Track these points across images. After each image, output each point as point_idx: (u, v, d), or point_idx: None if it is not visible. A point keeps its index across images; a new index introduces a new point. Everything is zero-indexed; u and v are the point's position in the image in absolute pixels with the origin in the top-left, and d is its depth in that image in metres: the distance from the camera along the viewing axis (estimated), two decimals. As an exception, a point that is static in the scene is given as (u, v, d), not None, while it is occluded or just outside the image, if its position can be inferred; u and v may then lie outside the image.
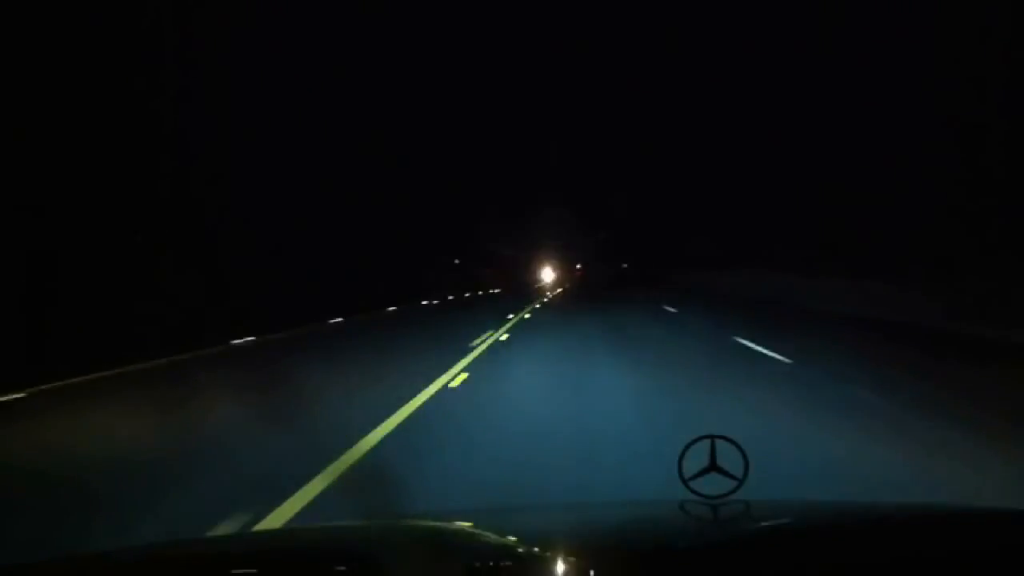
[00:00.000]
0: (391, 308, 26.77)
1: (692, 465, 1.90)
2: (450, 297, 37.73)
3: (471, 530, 1.93)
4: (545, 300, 35.00)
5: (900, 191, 22.94)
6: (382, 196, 35.54)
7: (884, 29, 23.67)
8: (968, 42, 20.00)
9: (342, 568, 1.55)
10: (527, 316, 22.38)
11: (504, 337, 15.02)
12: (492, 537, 1.82)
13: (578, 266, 77.80)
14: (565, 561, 1.52)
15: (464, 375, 9.56)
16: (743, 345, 12.32)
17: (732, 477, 1.87)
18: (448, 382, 8.99)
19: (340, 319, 21.10)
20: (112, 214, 16.60)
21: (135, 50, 19.25)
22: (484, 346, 13.18)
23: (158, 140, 19.06)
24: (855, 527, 1.84)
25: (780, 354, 10.84)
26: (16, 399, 8.84)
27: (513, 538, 1.77)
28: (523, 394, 8.50)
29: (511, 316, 21.76)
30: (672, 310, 23.36)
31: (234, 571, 1.58)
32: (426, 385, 8.69)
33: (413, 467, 5.18)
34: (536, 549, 1.65)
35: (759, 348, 11.68)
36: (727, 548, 1.65)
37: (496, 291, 48.35)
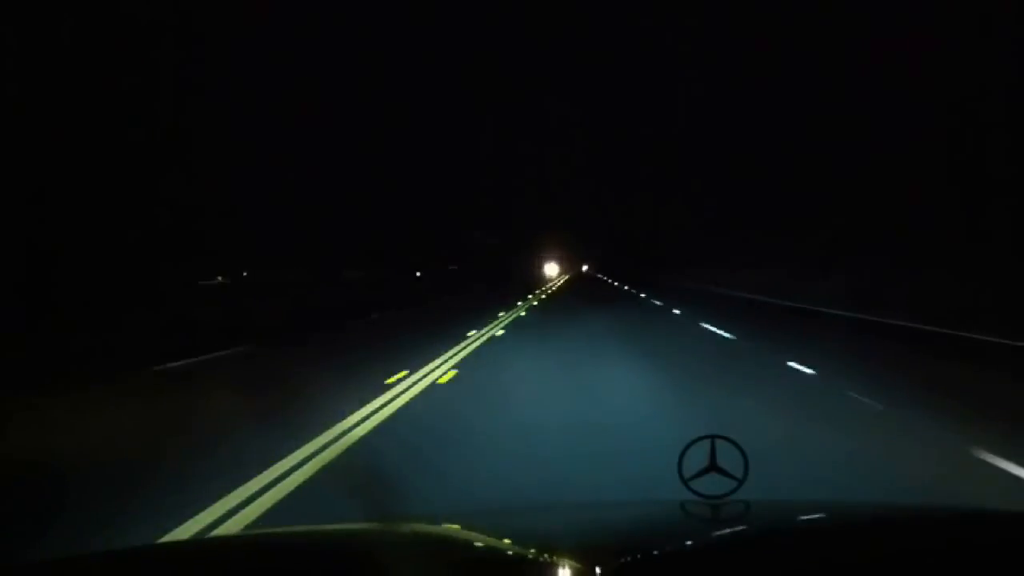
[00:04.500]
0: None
1: (692, 465, 1.89)
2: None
3: (470, 531, 1.93)
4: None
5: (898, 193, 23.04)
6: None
7: (885, 32, 23.70)
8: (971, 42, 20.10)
9: (342, 569, 1.55)
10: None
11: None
12: (491, 538, 1.82)
13: (584, 268, 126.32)
14: (564, 562, 1.51)
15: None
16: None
17: (732, 477, 1.86)
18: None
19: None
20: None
21: (137, 48, 19.19)
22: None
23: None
24: (856, 527, 1.83)
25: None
26: None
27: (512, 539, 1.76)
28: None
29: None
30: None
31: (233, 571, 1.58)
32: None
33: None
34: (535, 550, 1.64)
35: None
36: (727, 548, 1.65)
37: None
